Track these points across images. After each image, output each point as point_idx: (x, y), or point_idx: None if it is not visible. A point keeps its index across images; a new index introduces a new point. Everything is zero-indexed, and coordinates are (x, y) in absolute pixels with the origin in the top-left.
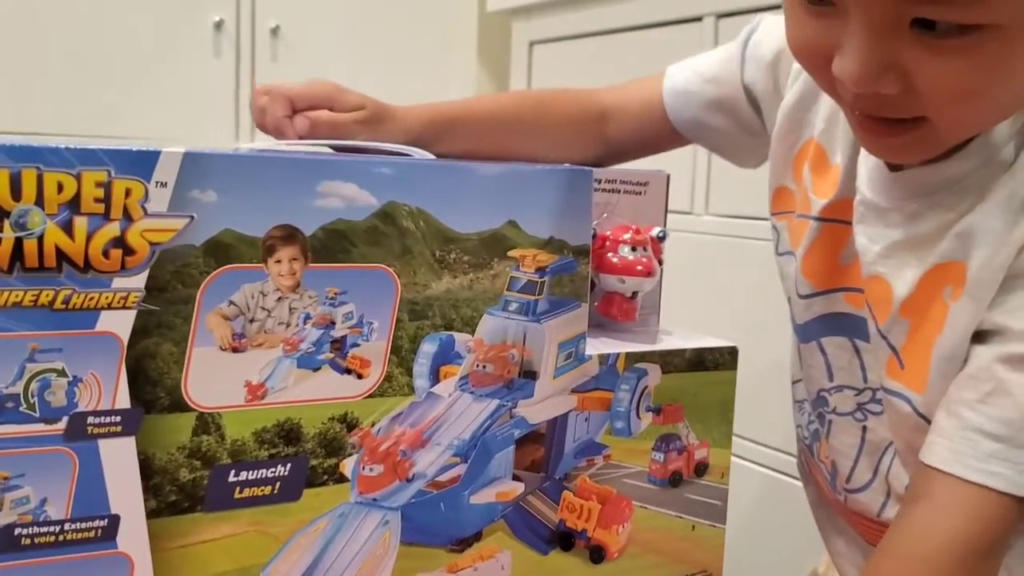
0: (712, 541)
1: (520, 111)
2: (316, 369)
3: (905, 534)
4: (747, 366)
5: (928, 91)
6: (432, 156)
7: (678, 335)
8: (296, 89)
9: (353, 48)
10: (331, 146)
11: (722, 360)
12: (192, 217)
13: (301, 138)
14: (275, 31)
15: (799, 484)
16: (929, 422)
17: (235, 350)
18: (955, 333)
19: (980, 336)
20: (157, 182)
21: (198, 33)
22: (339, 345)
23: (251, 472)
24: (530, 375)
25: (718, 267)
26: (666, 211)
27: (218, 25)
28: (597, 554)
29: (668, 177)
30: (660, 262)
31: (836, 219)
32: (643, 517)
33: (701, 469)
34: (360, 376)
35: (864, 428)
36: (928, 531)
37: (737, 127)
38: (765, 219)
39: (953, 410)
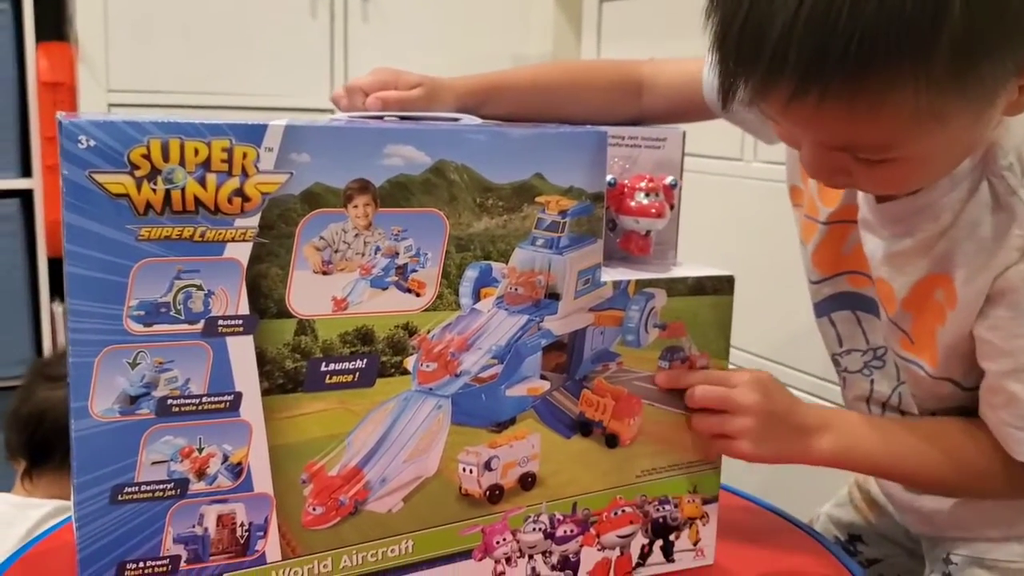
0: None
1: (560, 79)
2: (384, 288)
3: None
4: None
5: (866, 185)
6: (479, 120)
7: (687, 267)
8: (366, 80)
9: (437, 7)
10: (397, 117)
11: (720, 286)
12: (291, 173)
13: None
14: None
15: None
16: (942, 381)
17: (324, 273)
18: (954, 331)
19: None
20: (266, 147)
21: None
22: (402, 270)
23: (337, 364)
24: (554, 296)
25: (766, 212)
26: (682, 163)
27: None
28: (612, 440)
29: (683, 134)
30: (672, 206)
31: (841, 220)
32: (651, 413)
33: None
34: (418, 294)
35: (871, 381)
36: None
37: (762, 117)
38: None
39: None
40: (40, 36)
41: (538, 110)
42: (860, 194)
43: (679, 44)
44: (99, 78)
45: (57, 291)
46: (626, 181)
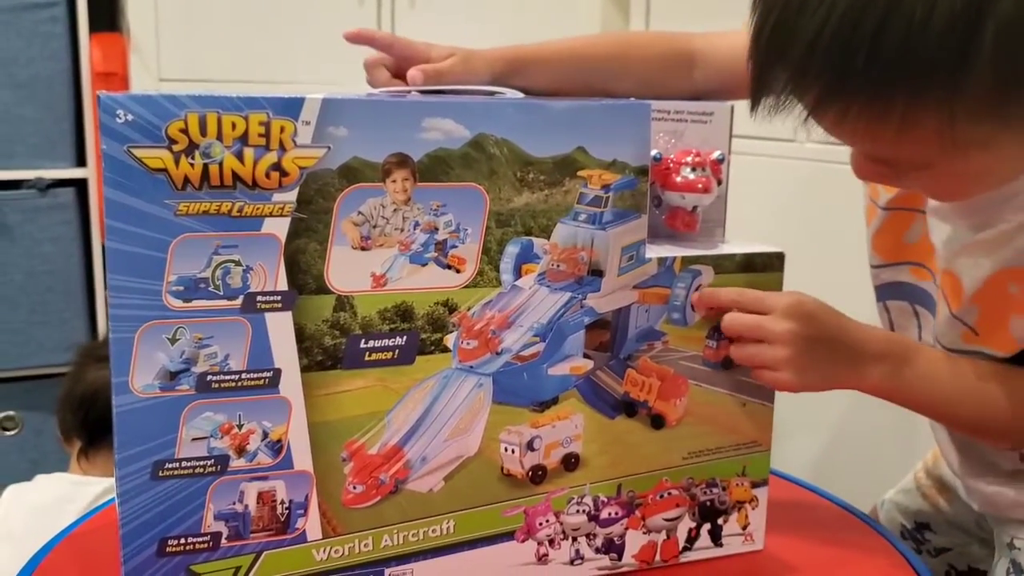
0: (762, 417)
1: (604, 51)
2: (424, 264)
3: None
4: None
5: (920, 191)
6: (517, 93)
7: (735, 244)
8: (401, 54)
9: None
10: (432, 91)
11: (770, 263)
12: (329, 147)
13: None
14: None
15: None
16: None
17: (363, 248)
18: None
19: None
20: (303, 121)
21: None
22: (441, 246)
23: (376, 341)
24: (597, 273)
25: (819, 194)
26: (730, 138)
27: None
28: (658, 421)
29: (732, 108)
30: (719, 181)
31: (902, 207)
32: (698, 393)
33: None
34: (458, 271)
35: None
36: None
37: None
38: None
39: None
40: (93, 27)
41: (579, 83)
42: None
43: (731, 25)
44: (150, 67)
45: None
46: (672, 156)
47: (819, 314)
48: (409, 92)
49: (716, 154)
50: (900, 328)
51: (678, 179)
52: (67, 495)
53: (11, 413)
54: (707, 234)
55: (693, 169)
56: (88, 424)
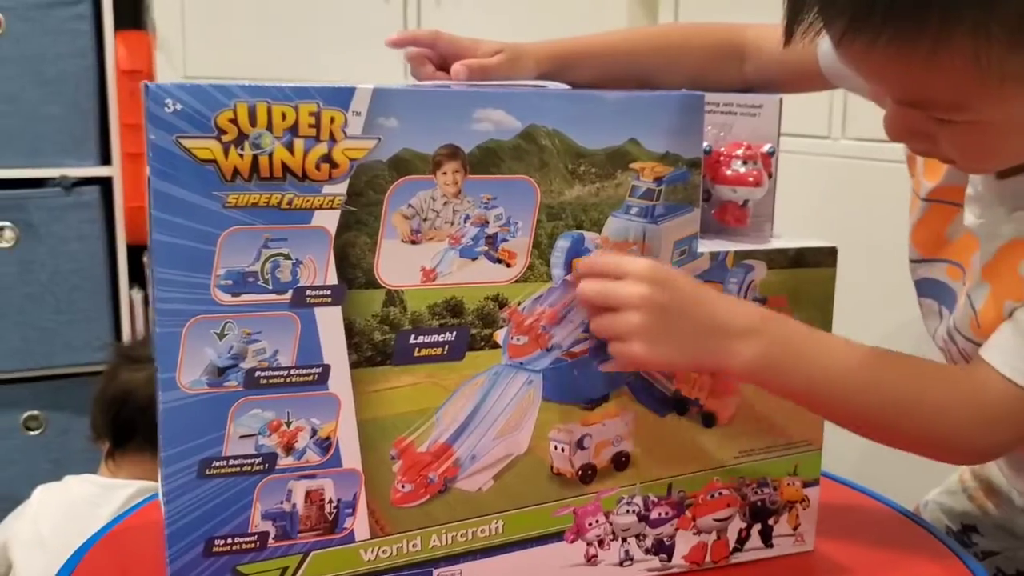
0: (813, 417)
1: (653, 44)
2: (474, 258)
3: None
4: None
5: (947, 150)
6: (565, 86)
7: (786, 238)
8: (447, 50)
9: None
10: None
11: (823, 258)
12: (379, 139)
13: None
14: None
15: None
16: None
17: (413, 242)
18: None
19: None
20: (354, 111)
21: None
22: (492, 240)
23: (426, 336)
24: None
25: (855, 191)
26: (779, 131)
27: None
28: (709, 419)
29: (780, 100)
30: (770, 175)
31: (944, 200)
32: (750, 391)
33: None
34: (508, 265)
35: None
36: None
37: None
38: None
39: None
40: (118, 25)
41: (627, 76)
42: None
43: (761, 17)
44: (176, 65)
45: (136, 278)
46: (722, 149)
47: (677, 279)
48: (449, 87)
49: (767, 147)
50: (927, 329)
51: (729, 172)
52: (96, 498)
53: (35, 412)
54: (756, 228)
55: (744, 162)
56: (116, 427)
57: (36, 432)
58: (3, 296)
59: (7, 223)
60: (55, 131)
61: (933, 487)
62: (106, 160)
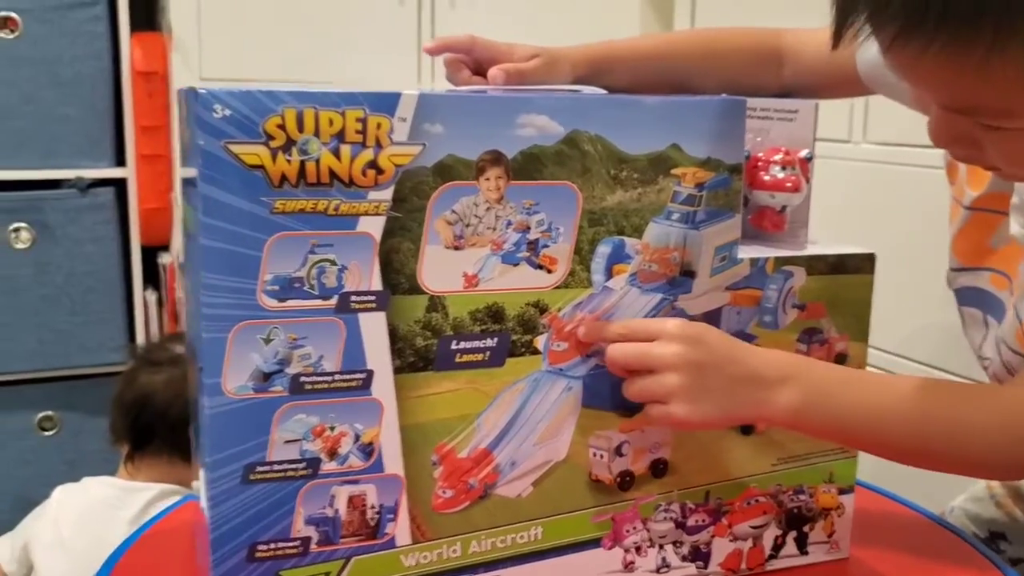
0: None
1: (690, 48)
2: (515, 264)
3: None
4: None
5: (993, 157)
6: (601, 90)
7: (823, 245)
8: (483, 55)
9: None
10: (513, 90)
11: (861, 265)
12: (424, 144)
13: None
14: None
15: None
16: None
17: (456, 248)
18: None
19: None
20: (399, 117)
21: None
22: (533, 246)
23: (468, 342)
24: (689, 274)
25: (876, 195)
26: (815, 136)
27: None
28: (746, 427)
29: (816, 105)
30: (807, 180)
31: (988, 209)
32: None
33: (841, 359)
34: (549, 271)
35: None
36: None
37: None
38: (923, 147)
39: None
40: (132, 26)
41: (663, 81)
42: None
43: (778, 22)
44: (192, 66)
45: (150, 279)
46: (760, 154)
47: (708, 336)
48: (486, 92)
49: (804, 152)
50: (970, 336)
51: (767, 177)
52: (116, 500)
53: (49, 413)
54: (791, 234)
55: (783, 168)
56: (135, 430)
57: (50, 433)
58: (19, 297)
59: (23, 224)
60: (71, 132)
61: (958, 493)
62: (121, 162)
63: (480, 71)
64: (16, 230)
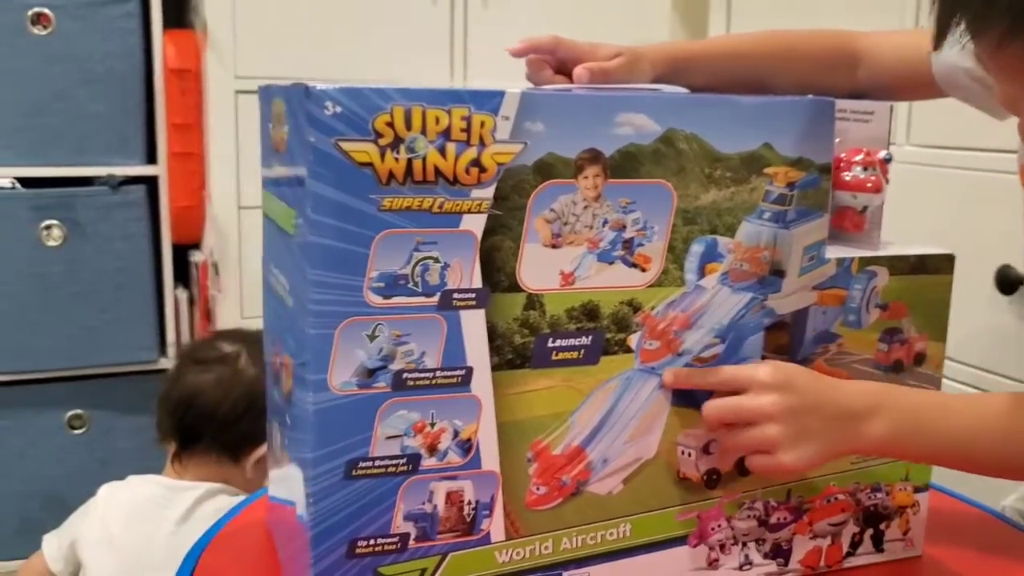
0: None
1: (766, 49)
2: (611, 263)
3: None
4: None
5: None
6: (682, 89)
7: (900, 245)
8: (566, 55)
9: None
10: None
11: (941, 265)
12: (526, 143)
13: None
14: None
15: None
16: None
17: (554, 246)
18: None
19: None
20: (503, 116)
21: None
22: (628, 244)
23: (563, 340)
24: (779, 273)
25: (919, 197)
26: (889, 137)
27: None
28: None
29: (892, 107)
30: (887, 181)
31: None
32: None
33: (920, 359)
34: (643, 269)
35: None
36: None
37: (988, 90)
38: (966, 149)
39: None
40: (166, 24)
41: (740, 81)
42: None
43: (815, 23)
44: (227, 64)
45: (180, 278)
46: (841, 154)
47: (797, 378)
48: (571, 91)
49: (883, 153)
50: None
51: (848, 178)
52: (163, 499)
53: (79, 412)
54: (868, 235)
55: (865, 168)
56: (182, 429)
57: (80, 431)
58: (50, 294)
59: (55, 221)
60: (102, 129)
61: (1010, 492)
62: (152, 159)
63: (563, 71)
64: (48, 227)
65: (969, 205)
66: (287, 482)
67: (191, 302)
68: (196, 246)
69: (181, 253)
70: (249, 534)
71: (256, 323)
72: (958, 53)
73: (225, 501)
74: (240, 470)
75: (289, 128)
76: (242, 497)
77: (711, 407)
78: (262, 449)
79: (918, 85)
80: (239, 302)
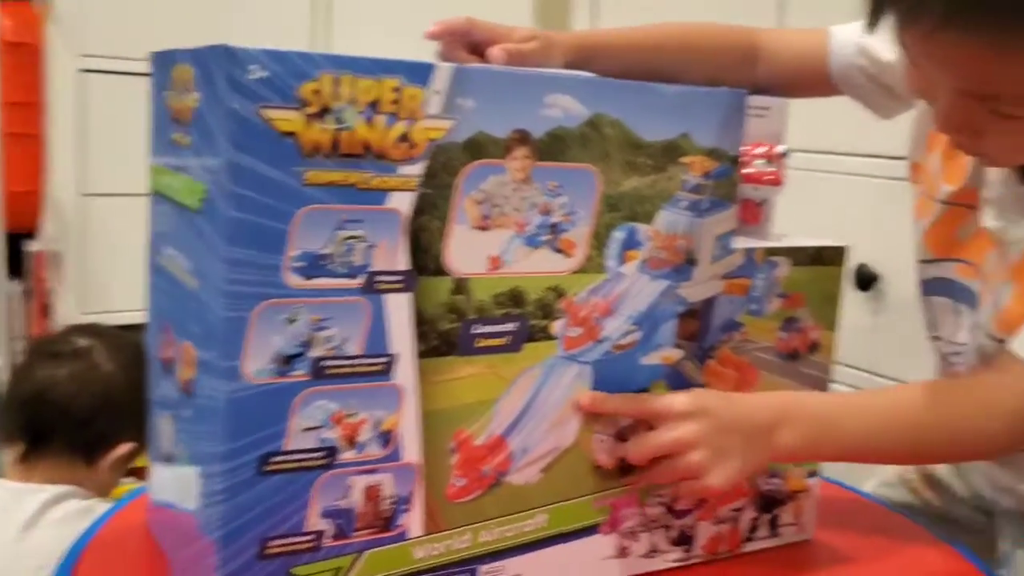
0: None
1: (669, 41)
2: (536, 247)
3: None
4: None
5: (991, 145)
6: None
7: (796, 237)
8: (482, 36)
9: None
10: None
11: (835, 257)
12: (456, 119)
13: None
14: None
15: None
16: None
17: (482, 228)
18: None
19: None
20: (434, 90)
21: None
22: (554, 229)
23: (489, 326)
24: (691, 262)
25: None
26: (785, 133)
27: None
28: None
29: (787, 104)
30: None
31: (960, 203)
32: (767, 384)
33: (814, 347)
34: (568, 255)
35: (943, 374)
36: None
37: (877, 88)
38: (845, 154)
39: None
40: None
41: (648, 72)
42: (993, 173)
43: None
44: (71, 41)
45: (15, 269)
46: (742, 148)
47: (708, 400)
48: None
49: (781, 148)
50: (941, 324)
51: (751, 170)
52: (6, 503)
53: None
54: (763, 227)
55: (768, 161)
56: (32, 425)
57: None
58: None
59: None
60: None
61: (864, 476)
62: None
63: (476, 52)
64: None
65: (826, 206)
66: (180, 481)
67: (26, 295)
68: (31, 235)
69: (15, 242)
70: (126, 542)
71: (97, 319)
72: (855, 52)
73: (76, 505)
74: (93, 472)
75: (202, 95)
76: (93, 501)
77: (636, 451)
78: (120, 449)
79: (815, 83)
80: (81, 296)
